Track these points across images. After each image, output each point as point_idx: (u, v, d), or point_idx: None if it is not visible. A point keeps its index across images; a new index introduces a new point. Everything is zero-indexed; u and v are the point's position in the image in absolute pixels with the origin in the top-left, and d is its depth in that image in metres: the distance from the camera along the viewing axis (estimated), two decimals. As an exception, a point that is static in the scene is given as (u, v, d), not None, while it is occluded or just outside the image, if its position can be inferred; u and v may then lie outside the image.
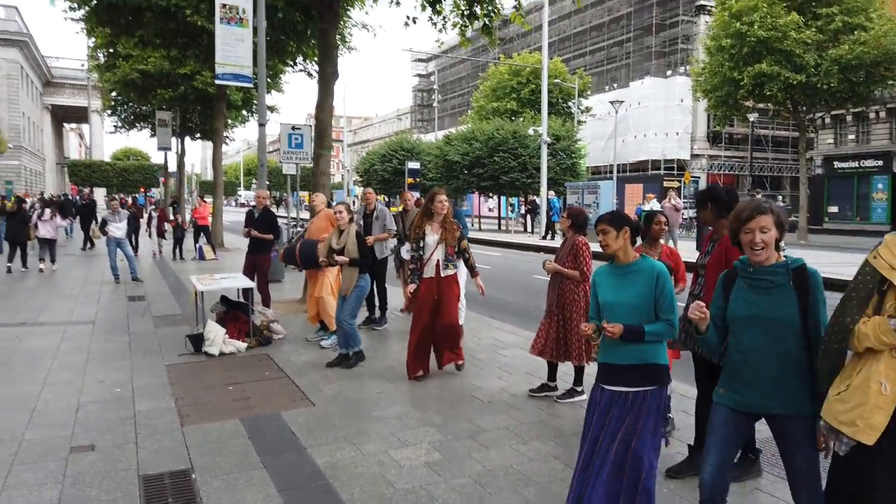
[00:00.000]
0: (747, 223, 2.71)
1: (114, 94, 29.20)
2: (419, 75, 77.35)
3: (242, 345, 6.99)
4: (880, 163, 33.06)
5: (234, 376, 6.08)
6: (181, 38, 17.69)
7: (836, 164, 35.30)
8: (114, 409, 5.12)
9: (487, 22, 12.03)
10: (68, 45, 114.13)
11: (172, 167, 33.79)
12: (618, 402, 3.14)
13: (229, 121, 31.30)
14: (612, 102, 28.49)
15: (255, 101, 28.67)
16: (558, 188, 27.57)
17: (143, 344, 7.29)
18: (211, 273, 8.91)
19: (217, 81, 15.26)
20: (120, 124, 34.27)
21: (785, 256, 2.76)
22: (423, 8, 11.87)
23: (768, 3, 25.83)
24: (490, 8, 12.03)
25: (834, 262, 16.86)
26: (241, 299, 7.64)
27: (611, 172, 39.41)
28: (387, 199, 42.64)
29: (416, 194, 34.61)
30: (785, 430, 2.71)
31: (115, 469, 4.02)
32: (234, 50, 14.48)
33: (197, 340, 6.88)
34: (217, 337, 6.84)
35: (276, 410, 5.12)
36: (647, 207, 19.75)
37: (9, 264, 14.14)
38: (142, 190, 62.67)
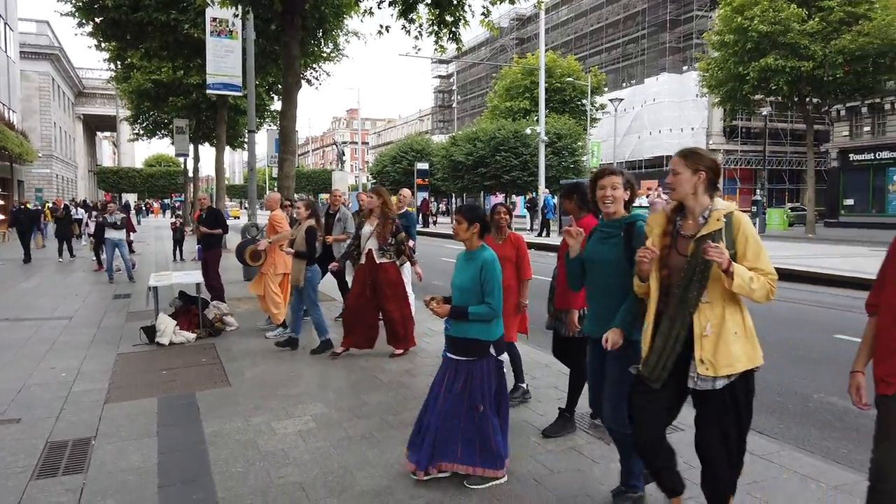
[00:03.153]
0: (600, 180, 3.34)
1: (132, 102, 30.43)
2: (440, 76, 78.07)
3: (192, 335, 7.62)
4: (895, 154, 32.53)
5: (173, 363, 6.69)
6: (185, 50, 18.48)
7: (852, 157, 34.77)
8: (53, 390, 5.76)
9: (454, 29, 12.52)
10: (98, 56, 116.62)
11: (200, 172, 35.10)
12: (452, 367, 3.78)
13: (246, 128, 32.34)
14: (611, 101, 28.66)
15: (267, 108, 29.73)
16: (556, 186, 27.89)
17: (106, 336, 7.98)
18: (171, 271, 9.56)
19: (208, 91, 16.11)
20: (141, 132, 35.68)
21: (631, 214, 3.40)
22: (398, 17, 12.46)
23: (769, -4, 25.74)
24: (459, 14, 12.54)
25: (808, 254, 16.95)
26: (205, 294, 8.34)
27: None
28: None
29: (425, 195, 34.92)
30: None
31: (30, 437, 4.64)
32: (224, 61, 15.28)
33: (150, 332, 7.54)
34: (168, 328, 7.48)
35: (193, 391, 5.71)
36: (644, 202, 19.99)
37: (59, 259, 17.96)
38: (172, 195, 64.76)
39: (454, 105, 73.30)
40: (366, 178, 74.30)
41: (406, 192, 9.52)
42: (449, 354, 3.82)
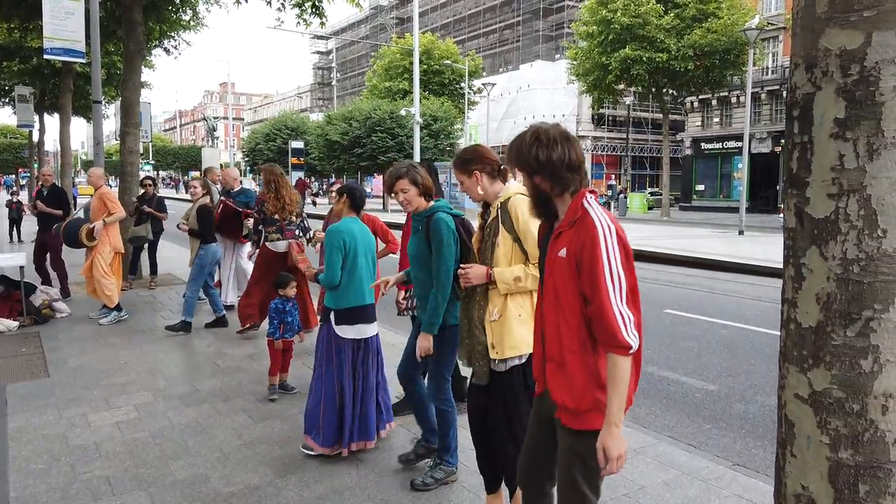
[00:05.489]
0: (392, 187, 3.37)
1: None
2: (318, 52, 76.09)
3: (13, 323, 6.99)
4: (740, 144, 35.53)
5: (-13, 353, 6.12)
6: (21, 10, 16.77)
7: (703, 146, 37.70)
8: None
9: (318, 3, 12.22)
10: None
11: (49, 146, 32.05)
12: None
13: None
14: (484, 85, 29.22)
15: (119, 77, 27.56)
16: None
17: (-90, 326, 7.15)
18: None
19: (45, 56, 14.66)
20: (-25, 99, 32.04)
21: (431, 207, 3.33)
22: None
23: (630, -9, 27.16)
24: (321, -12, 12.23)
25: (657, 235, 18.22)
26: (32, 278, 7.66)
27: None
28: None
29: (300, 174, 34.09)
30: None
31: None
32: (64, 24, 13.91)
33: (-38, 320, 6.84)
34: (-17, 316, 6.82)
35: (2, 383, 5.25)
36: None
37: None
38: (20, 170, 58.84)
39: (334, 83, 71.78)
40: (240, 155, 71.32)
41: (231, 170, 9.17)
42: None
